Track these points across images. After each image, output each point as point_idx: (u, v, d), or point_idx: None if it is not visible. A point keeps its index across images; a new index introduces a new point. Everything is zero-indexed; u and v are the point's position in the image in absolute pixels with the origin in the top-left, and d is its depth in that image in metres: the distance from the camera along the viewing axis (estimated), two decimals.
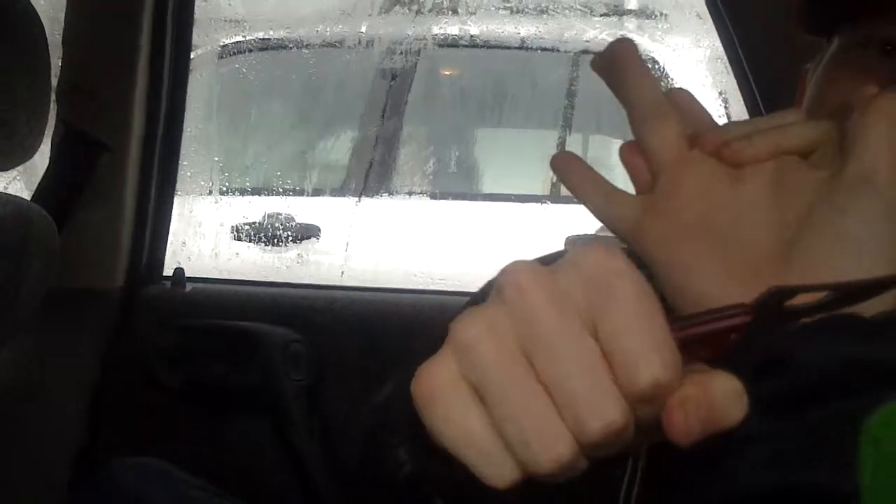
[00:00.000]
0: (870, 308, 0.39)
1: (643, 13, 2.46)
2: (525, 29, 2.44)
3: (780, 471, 0.36)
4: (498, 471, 0.33)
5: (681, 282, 0.42)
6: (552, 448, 0.32)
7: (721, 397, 0.33)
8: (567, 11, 2.41)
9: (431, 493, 0.45)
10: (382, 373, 1.38)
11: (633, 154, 0.48)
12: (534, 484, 0.34)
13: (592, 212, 0.48)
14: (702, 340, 0.36)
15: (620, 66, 0.48)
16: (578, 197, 0.49)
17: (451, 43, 2.48)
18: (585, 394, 0.32)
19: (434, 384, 0.34)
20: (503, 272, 0.34)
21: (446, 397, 0.33)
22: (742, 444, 0.35)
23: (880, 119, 0.43)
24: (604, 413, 0.32)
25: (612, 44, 0.48)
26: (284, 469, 1.38)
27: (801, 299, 0.38)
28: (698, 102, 0.51)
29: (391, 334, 1.39)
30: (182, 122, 1.52)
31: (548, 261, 0.36)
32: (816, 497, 0.35)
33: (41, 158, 1.27)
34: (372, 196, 2.35)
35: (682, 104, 0.50)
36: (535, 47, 2.49)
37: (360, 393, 1.37)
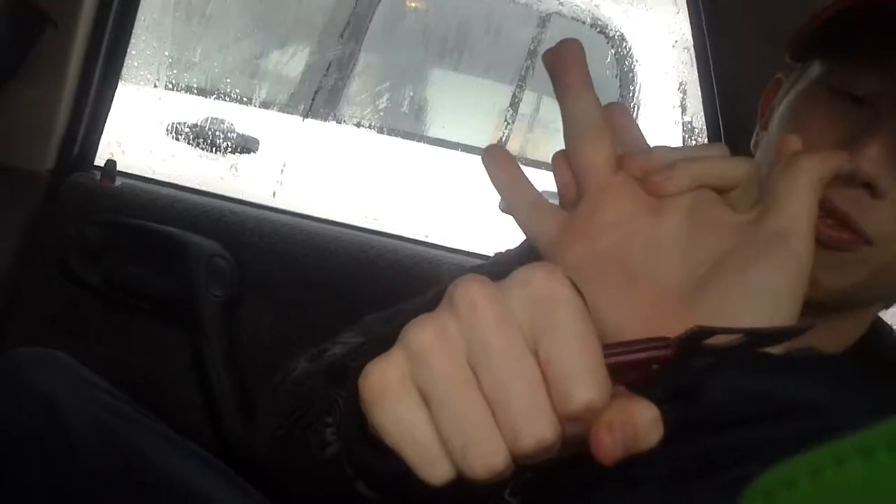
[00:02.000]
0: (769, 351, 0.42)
1: None
2: None
3: (672, 491, 0.39)
4: (434, 470, 0.36)
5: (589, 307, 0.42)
6: (487, 456, 0.35)
7: (643, 423, 0.35)
8: None
9: (354, 476, 0.46)
10: (299, 300, 1.38)
11: (562, 166, 0.48)
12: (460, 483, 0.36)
13: (515, 219, 0.49)
14: (625, 368, 0.39)
15: (564, 70, 0.47)
16: (503, 198, 0.49)
17: None
18: (523, 410, 0.35)
19: (383, 383, 0.36)
20: (457, 284, 0.36)
21: (394, 396, 0.36)
22: (643, 464, 0.37)
23: (803, 179, 0.45)
24: (538, 429, 0.35)
25: (561, 42, 0.47)
26: (190, 383, 1.37)
27: (718, 339, 0.40)
28: (633, 121, 0.51)
29: (314, 264, 1.38)
30: (136, 9, 1.46)
31: (500, 262, 0.38)
32: None
33: None
34: (318, 119, 2.31)
35: (618, 121, 0.50)
36: None
37: (276, 318, 1.37)
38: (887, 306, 0.73)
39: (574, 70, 0.47)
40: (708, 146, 0.51)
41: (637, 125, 0.51)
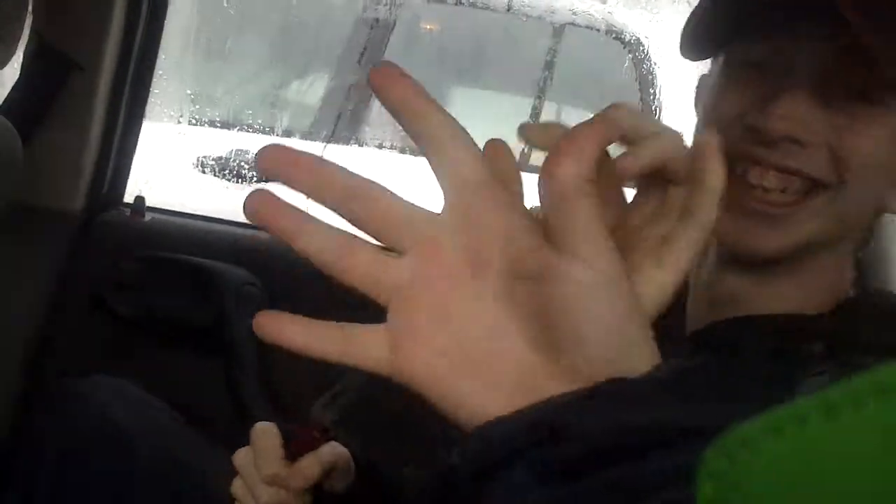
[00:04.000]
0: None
1: None
2: None
3: None
4: None
5: (454, 404, 0.40)
6: None
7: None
8: None
9: None
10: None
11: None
12: None
13: (333, 356, 0.43)
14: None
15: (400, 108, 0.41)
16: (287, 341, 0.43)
17: None
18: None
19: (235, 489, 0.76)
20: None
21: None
22: None
23: (555, 189, 0.41)
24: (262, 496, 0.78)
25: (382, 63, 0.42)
26: (226, 410, 1.38)
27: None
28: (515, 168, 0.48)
29: (346, 288, 1.39)
30: (157, 50, 1.49)
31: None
32: None
33: (10, 70, 1.24)
34: (341, 144, 2.34)
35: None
36: (521, 13, 2.48)
37: None
38: (857, 252, 0.76)
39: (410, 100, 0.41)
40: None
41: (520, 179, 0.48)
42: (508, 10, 2.49)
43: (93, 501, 0.96)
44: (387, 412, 0.80)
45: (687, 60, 0.75)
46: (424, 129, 0.41)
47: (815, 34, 0.66)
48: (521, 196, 0.47)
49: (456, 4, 2.51)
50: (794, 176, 0.67)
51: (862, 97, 0.66)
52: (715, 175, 0.53)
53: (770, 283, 0.72)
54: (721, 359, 0.70)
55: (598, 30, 2.37)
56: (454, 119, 0.41)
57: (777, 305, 0.71)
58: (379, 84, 0.40)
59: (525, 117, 2.46)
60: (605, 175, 0.48)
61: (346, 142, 2.37)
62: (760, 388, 0.63)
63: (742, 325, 0.72)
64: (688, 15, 0.72)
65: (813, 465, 0.21)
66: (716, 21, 0.69)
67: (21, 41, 1.13)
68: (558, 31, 2.50)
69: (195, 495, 0.98)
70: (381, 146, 2.35)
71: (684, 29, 0.71)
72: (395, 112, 0.41)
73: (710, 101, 0.72)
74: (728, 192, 0.61)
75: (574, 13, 2.44)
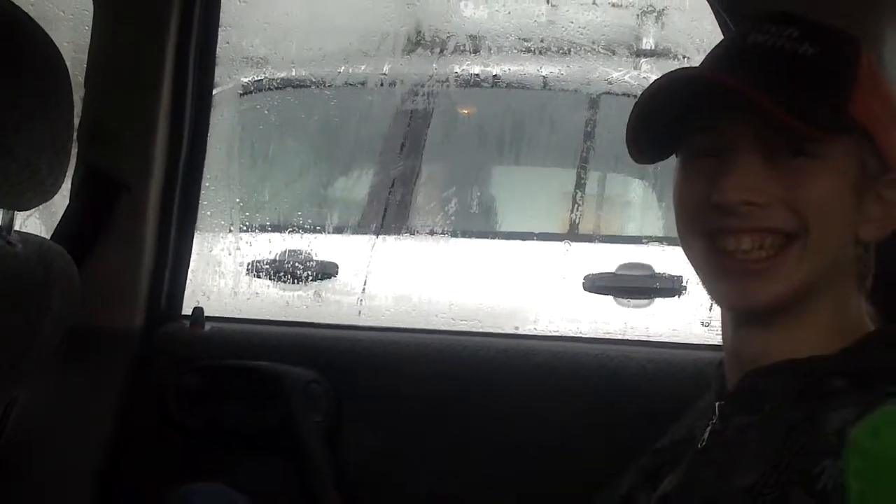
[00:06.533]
0: None
1: (664, 53, 2.46)
2: (548, 69, 2.45)
3: None
4: None
5: None
6: None
7: None
8: (588, 53, 2.41)
9: None
10: (402, 416, 1.37)
11: None
12: None
13: None
14: None
15: None
16: None
17: (473, 83, 2.50)
18: None
19: None
20: None
21: None
22: None
23: None
24: None
25: None
26: None
27: None
28: None
29: (413, 377, 1.38)
30: (203, 163, 1.52)
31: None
32: None
33: (59, 196, 1.27)
34: (391, 234, 2.35)
35: None
36: (557, 88, 2.50)
37: (378, 435, 1.36)
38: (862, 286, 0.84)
39: None
40: None
41: None
42: (544, 87, 2.51)
43: None
44: None
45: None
46: None
47: (743, 116, 0.77)
48: None
49: (492, 87, 2.54)
50: (764, 233, 0.78)
51: (800, 153, 0.77)
52: None
53: (781, 333, 0.80)
54: (752, 414, 0.79)
55: (635, 96, 2.37)
56: None
57: (794, 351, 0.79)
58: None
59: (570, 188, 2.46)
60: None
61: (398, 232, 2.38)
62: (785, 436, 0.72)
63: (764, 376, 0.80)
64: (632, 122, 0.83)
65: None
66: (657, 129, 0.83)
67: (69, 168, 1.16)
68: (595, 101, 2.51)
69: None
70: (432, 233, 2.36)
71: (627, 137, 0.84)
72: None
73: (678, 189, 0.84)
74: (715, 264, 0.80)
75: (609, 82, 2.46)
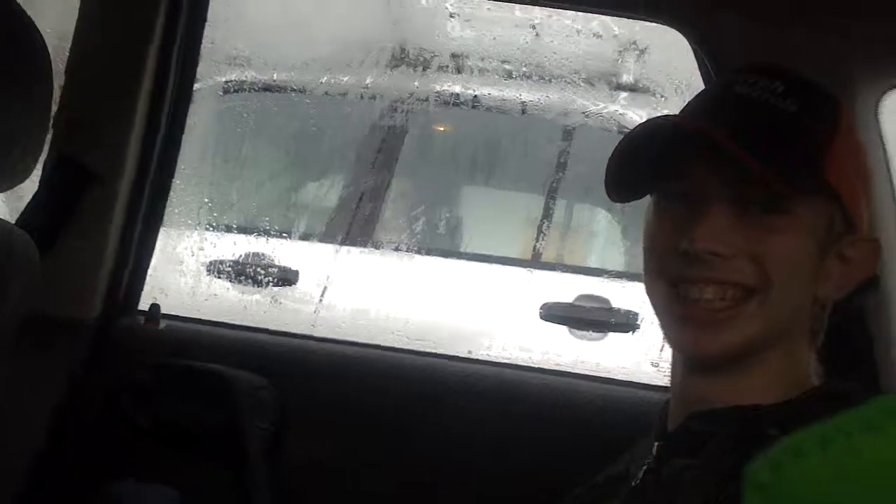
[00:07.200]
0: None
1: (643, 90, 2.50)
2: (527, 96, 2.48)
3: None
4: None
5: None
6: None
7: None
8: (568, 85, 2.44)
9: None
10: (348, 430, 1.38)
11: None
12: None
13: None
14: None
15: None
16: None
17: (453, 103, 2.52)
18: None
19: None
20: None
21: None
22: None
23: None
24: None
25: None
26: None
27: None
28: None
29: (362, 392, 1.39)
30: (176, 159, 1.52)
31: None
32: None
33: (28, 181, 1.27)
34: (355, 246, 2.36)
35: None
36: (534, 115, 2.52)
37: (324, 446, 1.37)
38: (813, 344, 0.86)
39: None
40: None
41: None
42: (523, 113, 2.54)
43: None
44: None
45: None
46: None
47: (719, 166, 0.78)
48: None
49: (471, 108, 2.57)
50: (726, 285, 0.79)
51: (772, 209, 0.79)
52: None
53: (729, 381, 0.82)
54: (689, 456, 0.80)
55: (610, 130, 2.41)
56: None
57: (738, 399, 0.81)
58: None
59: (537, 215, 2.49)
60: None
61: (363, 244, 2.39)
62: (717, 481, 0.74)
63: (706, 419, 0.81)
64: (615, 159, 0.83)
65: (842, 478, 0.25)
66: (636, 170, 0.83)
67: (42, 154, 1.16)
68: (569, 132, 2.54)
69: None
70: (397, 249, 2.37)
71: (606, 176, 0.84)
72: None
73: (649, 231, 0.85)
74: (676, 310, 0.81)
75: (586, 115, 2.49)
